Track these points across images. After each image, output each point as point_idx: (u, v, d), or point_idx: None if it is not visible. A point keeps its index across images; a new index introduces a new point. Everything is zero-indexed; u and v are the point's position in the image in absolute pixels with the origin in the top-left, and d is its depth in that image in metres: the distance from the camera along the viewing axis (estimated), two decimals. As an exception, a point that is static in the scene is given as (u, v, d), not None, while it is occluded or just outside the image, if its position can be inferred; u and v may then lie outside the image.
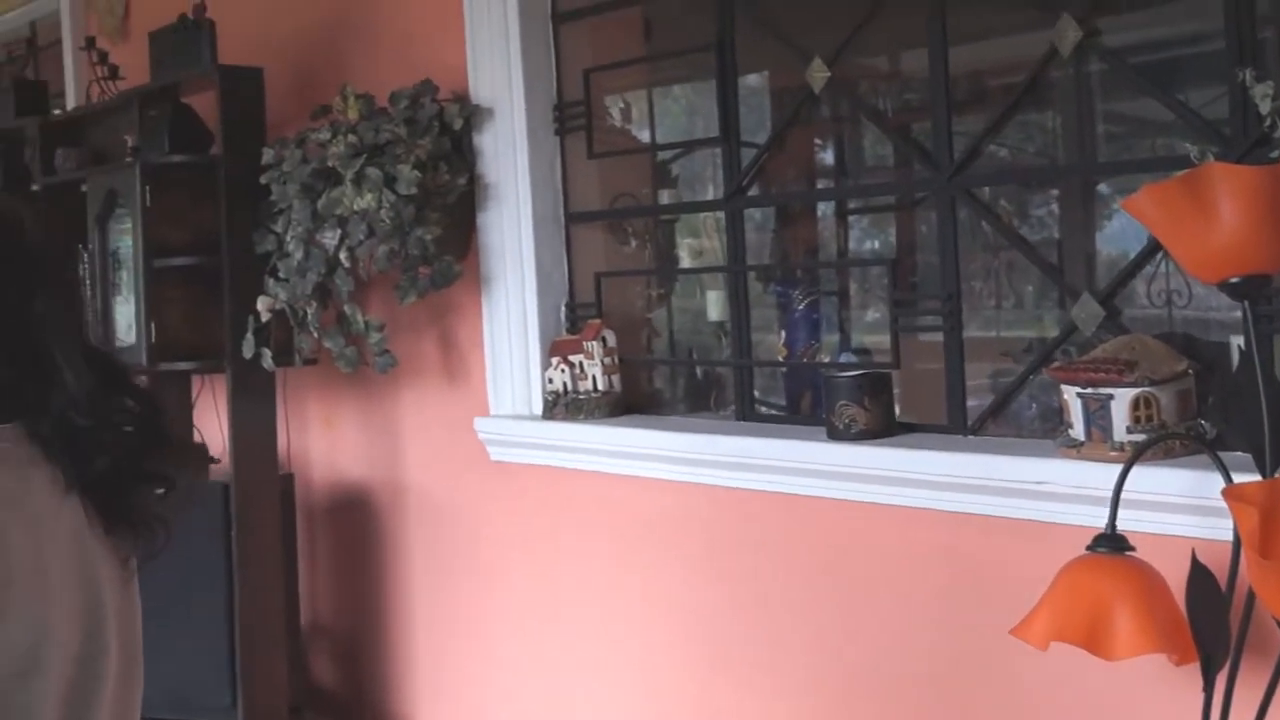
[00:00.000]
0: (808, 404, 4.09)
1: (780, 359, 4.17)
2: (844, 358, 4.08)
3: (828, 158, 4.79)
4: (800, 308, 4.12)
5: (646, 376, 4.43)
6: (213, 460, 5.26)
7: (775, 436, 3.73)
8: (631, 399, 4.30)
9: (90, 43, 5.58)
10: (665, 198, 4.54)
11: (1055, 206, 4.15)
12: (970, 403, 3.51)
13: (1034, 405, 3.47)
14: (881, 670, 3.56)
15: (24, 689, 1.97)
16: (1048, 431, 3.30)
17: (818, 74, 3.74)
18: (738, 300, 3.99)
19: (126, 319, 4.95)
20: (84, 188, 5.18)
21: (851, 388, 3.56)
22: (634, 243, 4.60)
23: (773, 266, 4.41)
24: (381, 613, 5.04)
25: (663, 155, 4.56)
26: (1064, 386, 3.09)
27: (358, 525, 5.12)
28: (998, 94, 3.80)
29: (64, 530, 2.01)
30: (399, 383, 4.84)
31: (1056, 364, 3.18)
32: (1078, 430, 3.06)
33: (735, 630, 3.91)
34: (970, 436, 3.46)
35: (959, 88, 3.54)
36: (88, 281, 5.12)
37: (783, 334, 4.13)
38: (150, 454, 2.09)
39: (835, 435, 3.58)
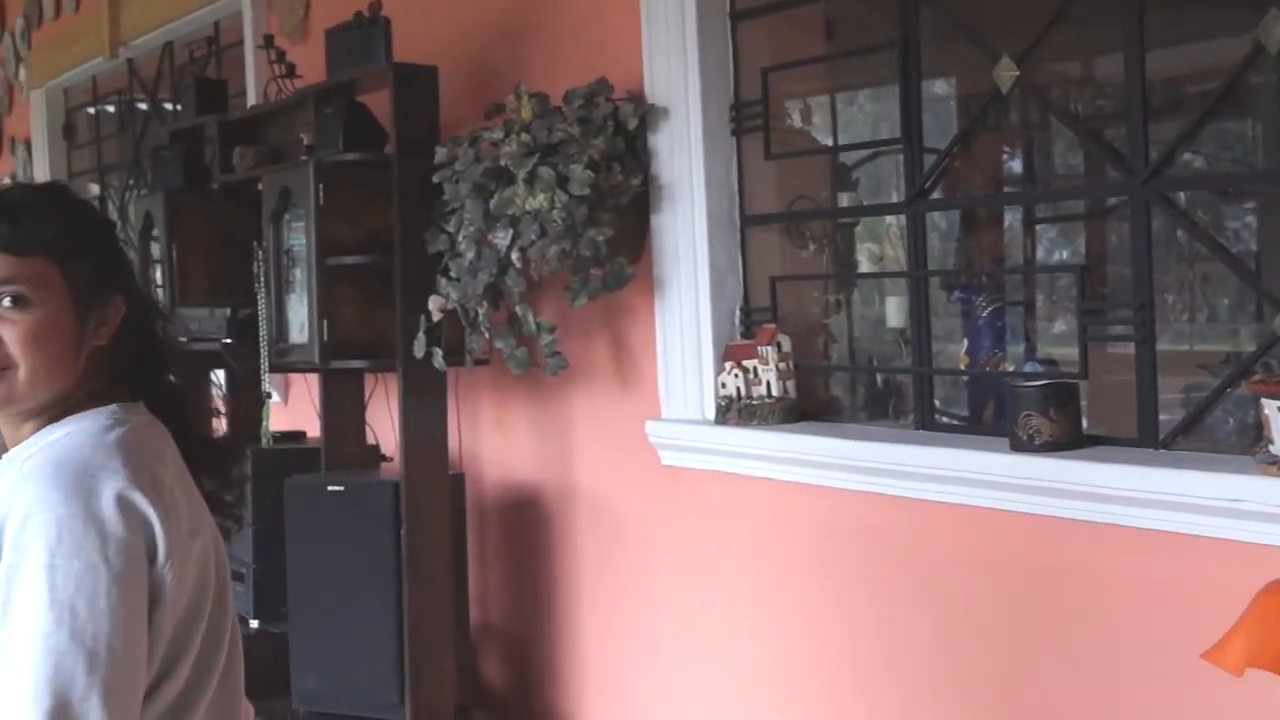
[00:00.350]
0: (990, 416, 3.97)
1: (962, 367, 4.05)
2: (1029, 367, 3.95)
3: (1015, 166, 4.65)
4: (984, 315, 4.00)
5: (823, 383, 4.34)
6: (385, 459, 5.26)
7: (956, 446, 3.62)
8: (806, 406, 4.21)
9: (268, 41, 5.60)
10: (845, 201, 4.44)
11: (1252, 219, 3.99)
12: (1161, 417, 3.37)
13: (1230, 420, 3.33)
14: (1062, 692, 3.43)
15: (189, 631, 2.24)
16: (1245, 448, 3.15)
17: (1005, 73, 3.62)
18: (919, 306, 3.89)
19: (300, 317, 4.96)
20: (260, 186, 5.20)
21: (1037, 397, 3.44)
22: (811, 247, 4.51)
23: (956, 271, 4.30)
24: (550, 614, 5.01)
25: (843, 158, 4.46)
26: (1264, 401, 2.95)
27: (528, 526, 5.08)
28: (1193, 100, 3.66)
29: (200, 498, 2.33)
30: (570, 385, 4.80)
31: (1257, 377, 3.04)
32: (1279, 446, 2.92)
33: (904, 643, 3.80)
34: (1162, 451, 3.33)
35: (1154, 94, 3.40)
36: (261, 279, 5.15)
37: (965, 342, 4.02)
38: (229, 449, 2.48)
39: (1019, 446, 3.46)
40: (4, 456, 2.34)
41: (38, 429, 2.29)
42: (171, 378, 2.42)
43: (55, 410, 2.31)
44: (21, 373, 2.23)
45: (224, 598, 2.32)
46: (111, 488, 2.17)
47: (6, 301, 2.24)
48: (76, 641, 2.09)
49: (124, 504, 2.17)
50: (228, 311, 5.35)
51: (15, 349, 2.24)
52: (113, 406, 2.30)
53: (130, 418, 2.30)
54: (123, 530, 2.15)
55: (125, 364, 2.35)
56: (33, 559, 2.12)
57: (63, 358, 2.27)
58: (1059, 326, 4.43)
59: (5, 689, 2.10)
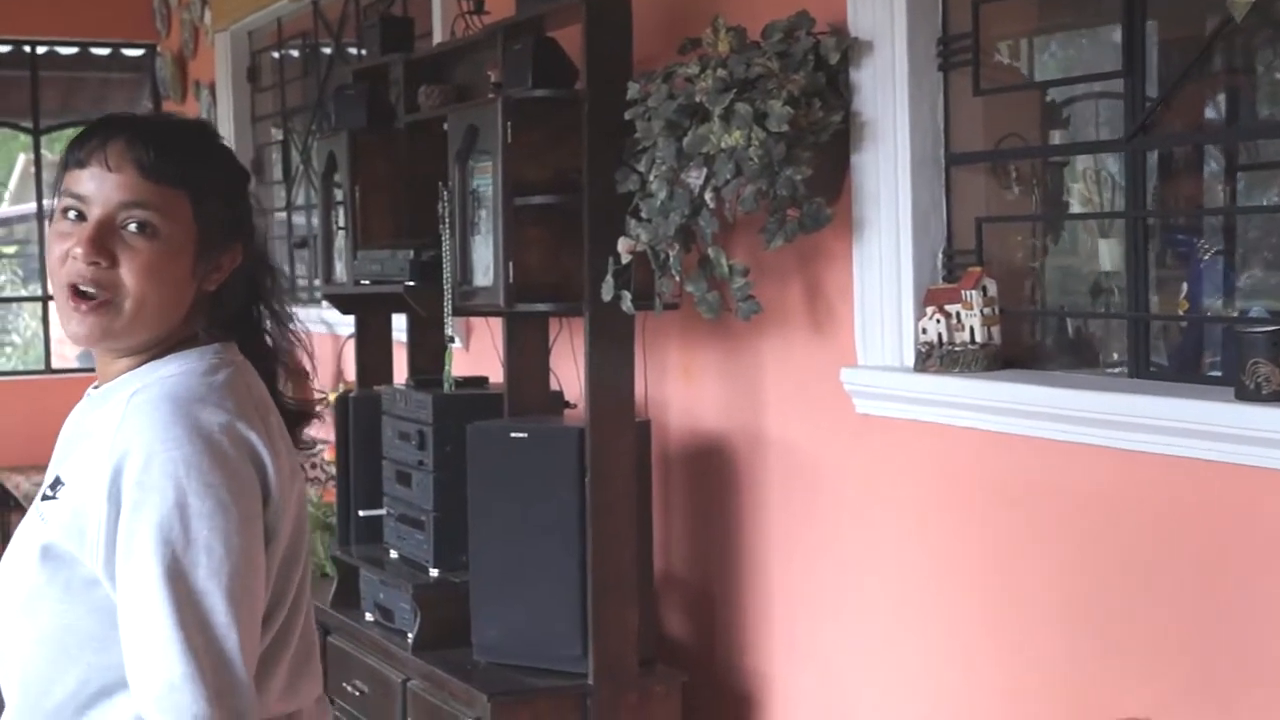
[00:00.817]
0: (1206, 366, 3.77)
1: (1180, 313, 3.85)
2: (1254, 312, 3.74)
3: (1209, 113, 4.41)
4: (1204, 260, 3.78)
5: (1028, 329, 4.15)
6: (568, 405, 5.16)
7: (1176, 395, 3.42)
8: (1011, 353, 4.03)
9: (455, -24, 5.52)
10: (1057, 139, 4.24)
11: None
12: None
13: None
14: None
15: (288, 575, 2.28)
16: None
17: (1241, -1, 3.39)
18: (1136, 249, 3.69)
19: (484, 259, 4.86)
20: (445, 125, 5.12)
21: (1266, 344, 3.23)
22: (1016, 188, 4.31)
23: (1180, 212, 4.05)
24: (736, 565, 4.88)
25: (1051, 96, 4.26)
26: None
27: (714, 475, 4.96)
28: None
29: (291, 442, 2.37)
30: (761, 331, 4.65)
31: None
32: None
33: (1114, 608, 3.61)
34: (1405, 404, 3.12)
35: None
36: (446, 220, 5.06)
37: (1184, 286, 3.81)
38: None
39: (1245, 395, 3.25)
40: (100, 388, 2.34)
41: (132, 366, 2.28)
42: (268, 337, 2.45)
43: (155, 350, 2.29)
44: (129, 305, 2.20)
45: (306, 552, 2.38)
46: (230, 427, 2.18)
47: (133, 226, 2.21)
48: (215, 581, 2.10)
49: (243, 443, 2.19)
50: (410, 254, 5.27)
51: (130, 278, 2.20)
52: (215, 346, 2.30)
53: (233, 359, 2.31)
54: (245, 469, 2.17)
55: (225, 312, 2.36)
56: (161, 498, 2.12)
57: (173, 298, 2.26)
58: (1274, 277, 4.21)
59: (141, 628, 2.11)
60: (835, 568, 4.47)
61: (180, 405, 2.17)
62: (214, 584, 2.09)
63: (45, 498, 2.26)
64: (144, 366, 2.27)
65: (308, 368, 2.52)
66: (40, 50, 10.35)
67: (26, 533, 2.27)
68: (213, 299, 2.33)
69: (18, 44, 10.30)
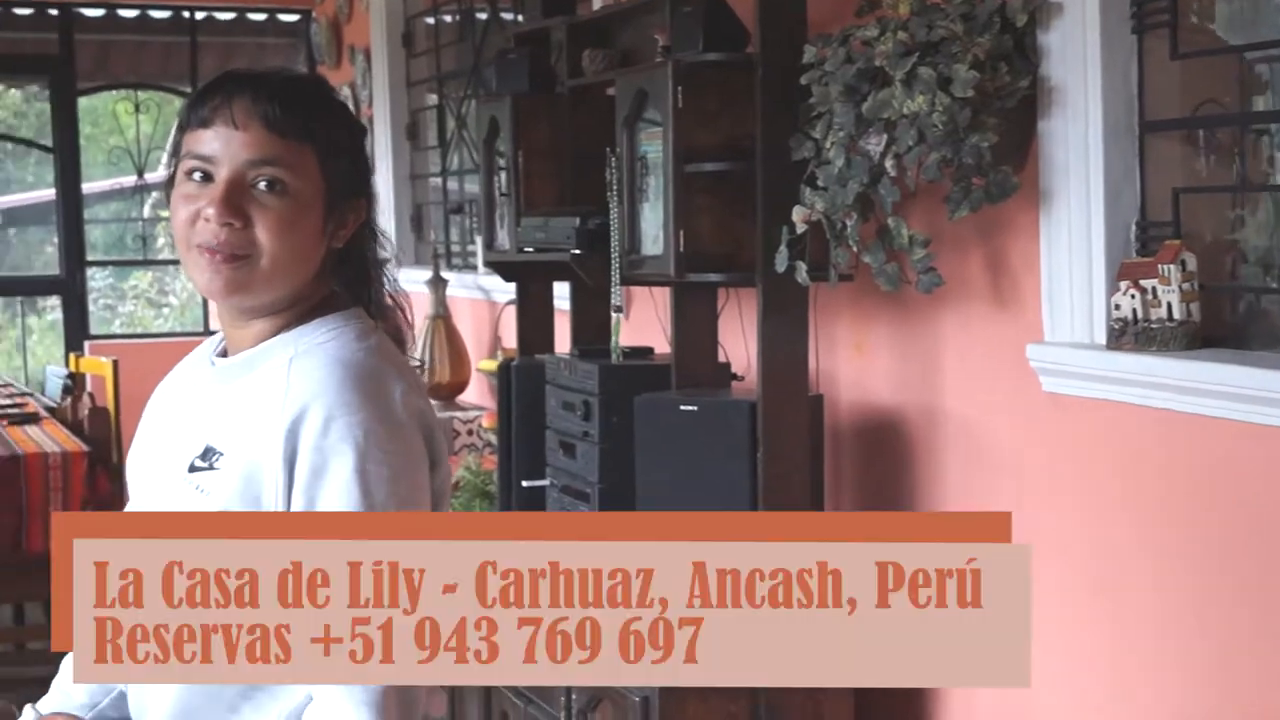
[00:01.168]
0: None
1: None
2: None
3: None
4: None
5: (1230, 306, 3.95)
6: (736, 378, 5.04)
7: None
8: (1210, 331, 3.84)
9: (622, -62, 5.39)
10: (1260, 105, 4.03)
11: None
12: None
13: None
14: None
15: None
16: None
17: None
18: (1350, 222, 3.50)
19: (654, 227, 4.75)
20: (611, 90, 5.01)
21: None
22: (1210, 158, 4.11)
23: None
24: (910, 547, 4.72)
25: (1252, 55, 4.04)
26: None
27: (888, 453, 4.81)
28: None
29: None
30: (939, 304, 4.49)
31: None
32: None
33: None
34: None
35: None
36: (614, 188, 4.95)
37: None
38: None
39: None
40: (232, 358, 2.29)
41: (271, 332, 2.25)
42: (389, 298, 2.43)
43: (291, 312, 2.26)
44: (265, 261, 2.18)
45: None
46: (401, 393, 2.17)
47: (263, 184, 2.17)
48: None
49: (415, 410, 2.18)
50: (575, 221, 5.16)
51: (263, 235, 2.18)
52: (356, 309, 2.30)
53: (373, 324, 2.30)
54: (415, 437, 2.17)
55: (350, 271, 2.35)
56: (342, 463, 2.09)
57: (305, 253, 2.23)
58: None
59: None
60: (1018, 550, 4.31)
61: (352, 370, 2.15)
62: None
63: (195, 468, 2.20)
64: (291, 332, 2.24)
65: (406, 334, 2.46)
66: (199, 16, 10.41)
67: (177, 506, 2.21)
68: (339, 257, 2.31)
69: (177, 10, 10.37)
